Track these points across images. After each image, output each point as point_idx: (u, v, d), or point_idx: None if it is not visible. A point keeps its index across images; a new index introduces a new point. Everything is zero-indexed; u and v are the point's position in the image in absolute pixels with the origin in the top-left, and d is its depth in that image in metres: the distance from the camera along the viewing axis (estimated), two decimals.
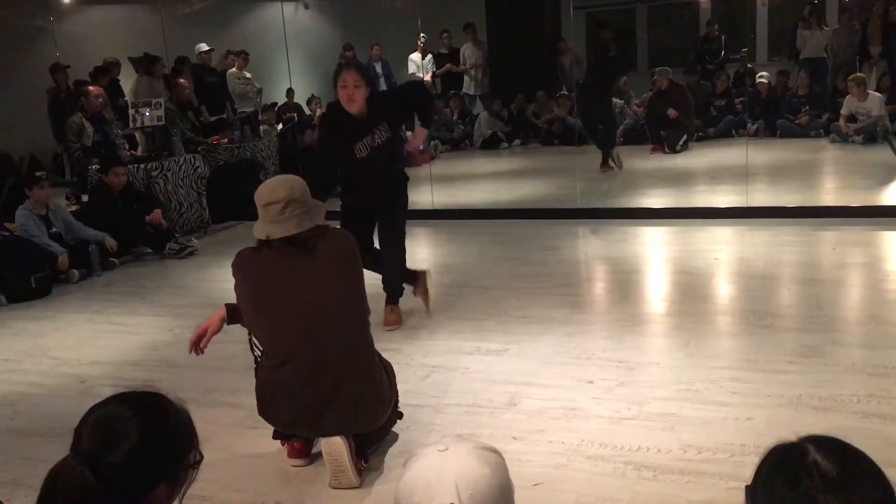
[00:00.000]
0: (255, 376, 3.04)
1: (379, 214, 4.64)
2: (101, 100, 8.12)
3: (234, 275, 2.92)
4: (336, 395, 2.86)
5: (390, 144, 4.46)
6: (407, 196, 4.79)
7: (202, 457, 1.58)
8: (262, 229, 2.86)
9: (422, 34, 11.04)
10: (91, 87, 8.24)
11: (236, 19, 12.19)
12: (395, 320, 4.67)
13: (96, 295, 6.03)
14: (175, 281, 6.27)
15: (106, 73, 9.34)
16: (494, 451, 1.61)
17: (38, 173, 6.74)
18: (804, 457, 1.16)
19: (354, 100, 4.29)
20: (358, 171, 4.47)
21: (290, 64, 10.61)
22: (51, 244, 6.24)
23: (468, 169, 10.95)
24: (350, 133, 4.38)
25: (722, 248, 5.97)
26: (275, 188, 2.86)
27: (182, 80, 9.01)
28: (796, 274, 5.26)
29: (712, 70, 11.36)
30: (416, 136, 5.38)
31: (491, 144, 11.89)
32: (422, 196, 8.23)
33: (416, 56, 11.56)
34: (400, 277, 4.78)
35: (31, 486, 1.62)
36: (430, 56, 11.80)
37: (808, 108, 10.55)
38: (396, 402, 3.20)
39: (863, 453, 1.18)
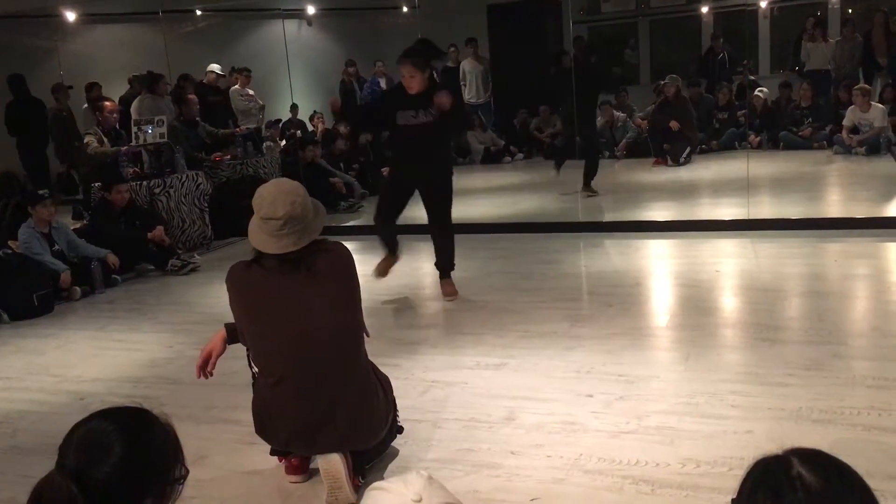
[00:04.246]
0: (253, 393, 3.04)
1: (426, 196, 5.38)
2: (115, 115, 8.17)
3: (228, 290, 2.90)
4: (331, 413, 2.84)
5: (435, 128, 5.09)
6: (451, 186, 5.41)
7: (188, 472, 1.58)
8: (259, 240, 2.82)
9: None
10: (107, 103, 8.30)
11: (239, 37, 12.25)
12: (451, 291, 5.40)
13: (98, 312, 6.04)
14: (177, 297, 6.28)
15: (94, 88, 9.51)
16: None
17: (41, 191, 6.76)
18: (788, 470, 1.15)
19: (412, 86, 5.08)
20: (404, 141, 5.21)
21: (292, 81, 10.65)
22: (53, 262, 6.26)
23: (470, 183, 10.95)
24: (402, 103, 5.12)
25: (725, 260, 5.95)
26: (273, 202, 2.78)
27: (191, 96, 9.06)
28: (799, 286, 5.24)
29: (715, 83, 11.38)
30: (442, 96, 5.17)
31: (493, 159, 11.90)
32: (423, 211, 8.22)
33: None
34: (447, 253, 5.50)
35: None
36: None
37: (811, 119, 10.55)
38: (395, 416, 3.19)
39: (848, 467, 1.17)
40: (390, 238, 5.56)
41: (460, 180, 11.23)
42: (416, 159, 5.21)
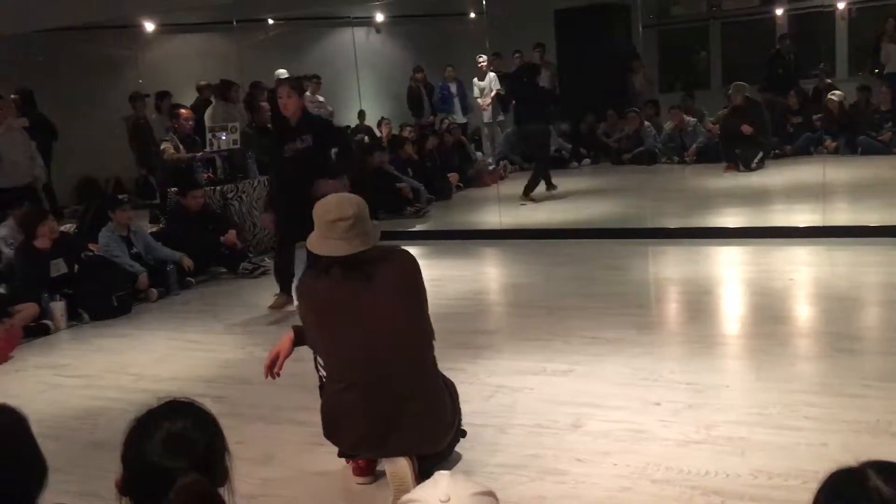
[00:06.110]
0: (320, 396, 3.09)
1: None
2: (190, 122, 8.42)
3: (297, 300, 2.97)
4: (399, 419, 2.87)
5: (313, 155, 5.48)
6: None
7: (231, 456, 1.72)
8: (329, 247, 2.86)
9: (482, 56, 11.10)
10: (182, 110, 8.55)
11: (309, 44, 12.48)
12: (278, 304, 5.71)
13: (173, 313, 6.22)
14: (248, 300, 6.41)
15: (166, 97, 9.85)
16: (491, 493, 1.62)
17: (121, 196, 7.01)
18: (864, 482, 1.13)
19: (287, 107, 5.49)
20: (286, 168, 5.55)
21: (360, 87, 10.79)
22: (132, 264, 6.48)
23: (536, 189, 10.91)
24: (282, 132, 5.62)
25: (799, 268, 5.80)
26: (340, 205, 2.87)
27: (264, 103, 9.26)
28: (876, 295, 5.07)
29: (780, 87, 11.08)
30: (327, 185, 5.39)
31: (559, 164, 11.82)
32: (489, 216, 8.23)
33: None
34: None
35: (108, 498, 1.71)
36: (492, 75, 11.77)
37: (891, 124, 10.18)
38: (459, 421, 3.21)
39: None
40: (285, 269, 5.76)
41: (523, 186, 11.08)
42: (296, 185, 5.44)
